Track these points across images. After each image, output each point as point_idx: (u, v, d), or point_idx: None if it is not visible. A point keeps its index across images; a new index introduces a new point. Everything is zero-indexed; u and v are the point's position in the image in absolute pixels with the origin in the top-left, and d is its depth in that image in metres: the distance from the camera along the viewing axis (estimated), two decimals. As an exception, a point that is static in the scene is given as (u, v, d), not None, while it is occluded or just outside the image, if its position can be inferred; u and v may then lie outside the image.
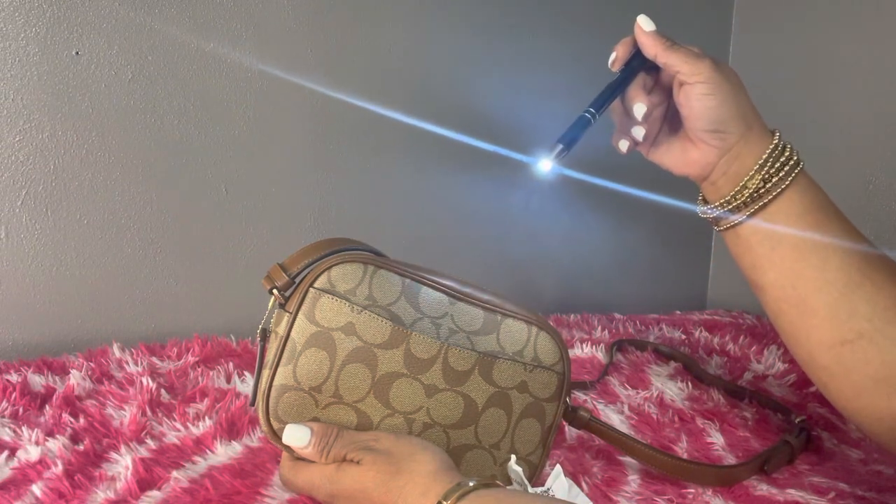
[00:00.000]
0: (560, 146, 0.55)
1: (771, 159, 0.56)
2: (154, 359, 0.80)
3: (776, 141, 0.57)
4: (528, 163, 0.60)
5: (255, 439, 0.62)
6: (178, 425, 0.63)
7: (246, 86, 0.92)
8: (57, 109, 0.81)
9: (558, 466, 0.53)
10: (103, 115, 0.84)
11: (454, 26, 1.07)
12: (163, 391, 0.70)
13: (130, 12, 0.84)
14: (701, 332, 1.07)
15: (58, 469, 0.53)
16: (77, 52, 0.82)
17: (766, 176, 0.56)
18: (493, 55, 1.10)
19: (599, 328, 1.05)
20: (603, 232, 1.30)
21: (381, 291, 0.52)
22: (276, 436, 0.50)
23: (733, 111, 0.56)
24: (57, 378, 0.72)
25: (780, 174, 0.55)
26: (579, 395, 0.79)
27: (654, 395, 0.80)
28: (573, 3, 1.17)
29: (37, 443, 0.57)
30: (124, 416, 0.64)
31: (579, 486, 0.57)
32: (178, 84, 0.88)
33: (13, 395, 0.66)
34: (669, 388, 0.82)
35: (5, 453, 0.56)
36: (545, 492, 0.51)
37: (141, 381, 0.71)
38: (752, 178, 0.56)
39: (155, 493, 0.52)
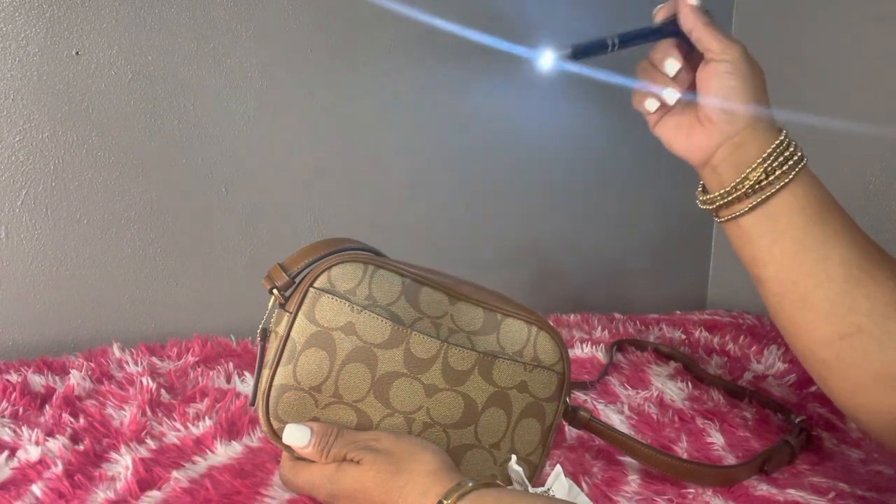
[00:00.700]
0: (569, 49, 0.56)
1: (775, 153, 0.56)
2: (154, 359, 0.80)
3: (783, 137, 0.57)
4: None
5: (255, 439, 0.62)
6: (178, 425, 0.63)
7: (246, 86, 0.92)
8: (57, 109, 0.81)
9: (558, 466, 0.53)
10: (103, 115, 0.84)
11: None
12: (163, 391, 0.70)
13: (130, 12, 0.84)
14: (701, 332, 1.07)
15: (58, 469, 0.53)
16: (77, 52, 0.81)
17: (769, 169, 0.56)
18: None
19: (599, 328, 1.05)
20: (603, 232, 1.30)
21: (381, 291, 0.52)
22: (276, 436, 0.50)
23: (749, 97, 0.56)
24: (57, 378, 0.72)
25: (784, 168, 0.56)
26: (579, 395, 0.79)
27: (654, 395, 0.80)
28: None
29: (37, 443, 0.57)
30: (124, 416, 0.64)
31: (579, 486, 0.57)
32: (178, 84, 0.88)
33: (13, 395, 0.66)
34: (669, 388, 0.82)
35: (5, 453, 0.56)
36: (545, 492, 0.51)
37: (141, 381, 0.71)
38: (754, 169, 0.56)
39: (155, 493, 0.52)
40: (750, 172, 0.56)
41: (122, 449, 0.58)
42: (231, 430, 0.63)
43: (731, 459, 0.67)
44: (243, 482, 0.54)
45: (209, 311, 0.94)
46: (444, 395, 0.52)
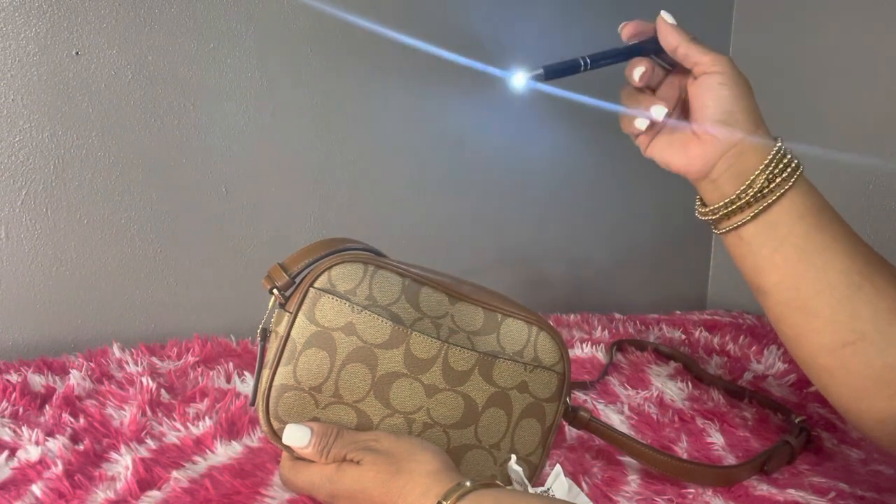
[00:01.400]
0: (541, 70, 0.56)
1: (775, 160, 0.56)
2: (154, 359, 0.80)
3: (780, 144, 0.57)
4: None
5: (255, 439, 0.62)
6: (178, 425, 0.63)
7: (246, 86, 0.92)
8: (57, 109, 0.81)
9: (558, 466, 0.53)
10: (103, 115, 0.84)
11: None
12: (163, 391, 0.70)
13: (130, 12, 0.84)
14: (701, 332, 1.07)
15: (58, 469, 0.53)
16: (77, 52, 0.81)
17: (771, 176, 0.56)
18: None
19: (599, 328, 1.05)
20: (603, 231, 1.30)
21: (381, 291, 0.52)
22: (276, 436, 0.50)
23: (744, 107, 0.56)
24: (57, 378, 0.72)
25: (784, 174, 0.56)
26: (579, 395, 0.79)
27: (654, 395, 0.80)
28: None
29: (37, 443, 0.57)
30: (124, 416, 0.64)
31: (579, 486, 0.57)
32: (178, 84, 0.88)
33: (13, 395, 0.66)
34: (669, 388, 0.82)
35: (5, 453, 0.56)
36: (545, 492, 0.51)
37: (141, 381, 0.71)
38: (758, 176, 0.56)
39: (155, 493, 0.52)
40: (754, 179, 0.56)
41: (122, 449, 0.58)
42: (231, 430, 0.63)
43: (731, 459, 0.67)
44: (243, 482, 0.54)
45: (209, 311, 0.94)
46: (445, 395, 0.52)
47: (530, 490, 0.50)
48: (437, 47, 1.02)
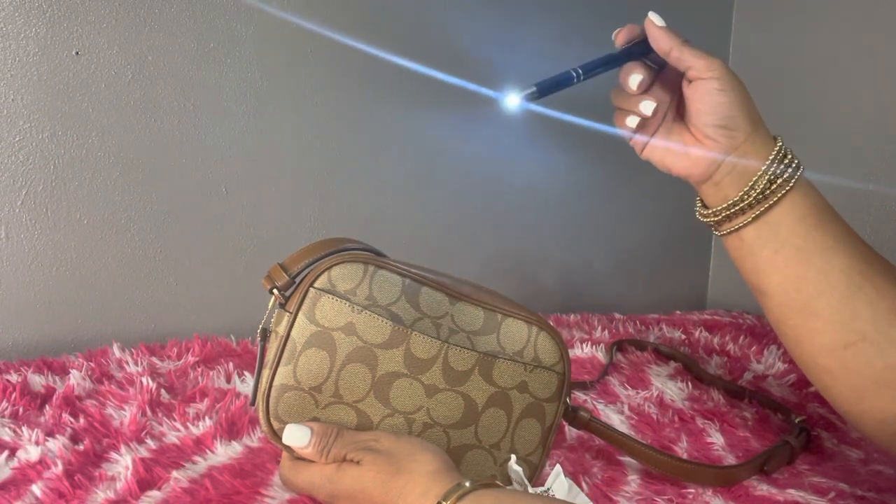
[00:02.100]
0: (534, 88, 0.56)
1: (777, 160, 0.56)
2: (154, 359, 0.80)
3: (780, 144, 0.57)
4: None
5: (255, 439, 0.62)
6: (178, 425, 0.63)
7: (246, 86, 0.92)
8: (57, 109, 0.81)
9: (558, 466, 0.53)
10: (103, 115, 0.84)
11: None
12: (163, 391, 0.70)
13: (130, 12, 0.84)
14: (701, 332, 1.07)
15: (58, 469, 0.53)
16: (77, 52, 0.81)
17: (772, 177, 0.56)
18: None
19: (599, 328, 1.05)
20: (603, 232, 1.30)
21: (381, 291, 0.52)
22: (276, 436, 0.50)
23: (743, 110, 0.56)
24: (57, 378, 0.72)
25: (785, 175, 0.56)
26: (579, 395, 0.79)
27: (654, 395, 0.80)
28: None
29: (37, 443, 0.57)
30: (124, 416, 0.64)
31: (579, 486, 0.57)
32: (178, 84, 0.88)
33: (13, 395, 0.66)
34: (669, 388, 0.82)
35: (5, 453, 0.56)
36: (545, 492, 0.51)
37: (141, 381, 0.71)
38: (760, 177, 0.56)
39: (155, 493, 0.52)
40: (756, 181, 0.56)
41: (122, 449, 0.58)
42: (231, 430, 0.63)
43: (731, 459, 0.67)
44: (243, 482, 0.54)
45: (209, 311, 0.94)
46: (445, 395, 0.52)
47: (530, 490, 0.50)
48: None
